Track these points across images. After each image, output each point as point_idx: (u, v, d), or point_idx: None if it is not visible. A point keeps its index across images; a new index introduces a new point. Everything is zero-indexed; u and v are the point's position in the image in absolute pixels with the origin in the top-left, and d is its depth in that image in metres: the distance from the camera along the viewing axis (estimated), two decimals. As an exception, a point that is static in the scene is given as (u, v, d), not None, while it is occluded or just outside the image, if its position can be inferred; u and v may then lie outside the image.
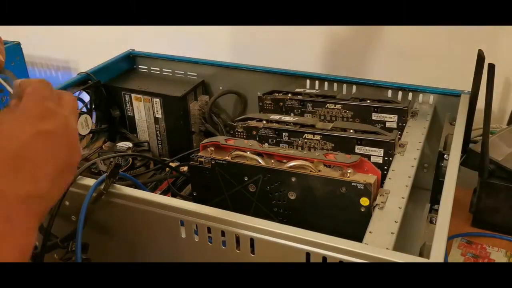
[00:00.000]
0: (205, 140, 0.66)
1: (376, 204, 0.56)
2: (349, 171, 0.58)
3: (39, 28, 1.31)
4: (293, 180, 0.59)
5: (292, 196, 0.60)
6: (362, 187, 0.55)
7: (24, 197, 0.34)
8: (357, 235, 0.50)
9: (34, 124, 0.36)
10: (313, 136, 0.69)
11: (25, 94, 0.38)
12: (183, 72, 0.95)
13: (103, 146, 0.88)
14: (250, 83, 0.90)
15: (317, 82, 0.85)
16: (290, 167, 0.60)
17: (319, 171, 0.59)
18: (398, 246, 0.51)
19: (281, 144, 0.72)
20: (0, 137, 0.35)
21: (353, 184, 0.56)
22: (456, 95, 0.78)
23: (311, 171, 0.59)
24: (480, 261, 0.72)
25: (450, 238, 0.76)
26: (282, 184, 0.60)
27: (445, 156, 0.67)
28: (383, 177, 0.61)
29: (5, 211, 0.34)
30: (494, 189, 0.74)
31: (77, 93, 0.84)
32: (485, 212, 0.77)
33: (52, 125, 0.37)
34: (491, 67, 0.68)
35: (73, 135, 0.39)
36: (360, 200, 0.56)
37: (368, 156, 0.66)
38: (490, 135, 0.73)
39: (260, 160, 0.61)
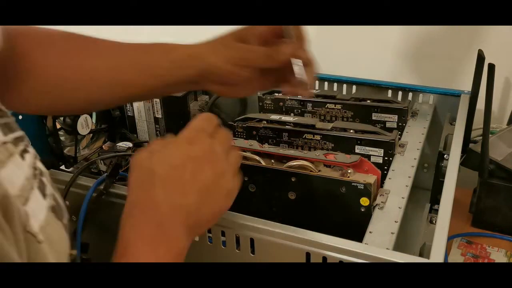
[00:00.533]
0: (205, 140, 0.66)
1: (376, 204, 0.56)
2: (349, 171, 0.58)
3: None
4: (293, 180, 0.59)
5: (292, 196, 0.60)
6: (362, 187, 0.55)
7: (175, 207, 0.41)
8: (357, 235, 0.50)
9: (184, 149, 0.44)
10: (313, 136, 0.69)
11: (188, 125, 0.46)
12: (183, 72, 0.95)
13: (103, 146, 0.88)
14: (250, 83, 0.90)
15: (317, 82, 0.85)
16: (290, 167, 0.60)
17: (319, 171, 0.59)
18: (398, 246, 0.51)
19: (281, 144, 0.72)
20: (155, 162, 0.42)
21: (353, 184, 0.56)
22: (456, 95, 0.78)
23: (311, 171, 0.59)
24: (480, 261, 0.72)
25: (450, 238, 0.76)
26: (282, 184, 0.60)
27: (445, 156, 0.67)
28: (383, 177, 0.61)
29: (158, 218, 0.41)
30: (494, 189, 0.74)
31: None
32: (485, 212, 0.77)
33: (198, 151, 0.44)
34: (491, 67, 0.68)
35: (218, 161, 0.45)
36: (360, 200, 0.56)
37: (368, 156, 0.66)
38: (490, 135, 0.73)
39: (260, 160, 0.61)
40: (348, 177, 0.57)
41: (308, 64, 0.54)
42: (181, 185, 0.42)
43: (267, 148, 0.64)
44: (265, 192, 0.61)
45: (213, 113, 0.88)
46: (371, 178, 0.57)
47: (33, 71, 0.53)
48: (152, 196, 0.41)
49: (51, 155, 0.77)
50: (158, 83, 0.55)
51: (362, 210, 0.56)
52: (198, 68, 0.54)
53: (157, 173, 0.42)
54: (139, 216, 0.41)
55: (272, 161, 0.62)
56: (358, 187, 0.56)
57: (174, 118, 0.86)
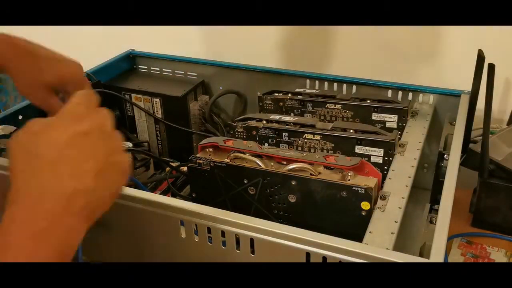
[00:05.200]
0: (204, 141, 0.66)
1: (378, 208, 0.56)
2: (349, 174, 0.58)
3: (39, 28, 1.31)
4: (293, 183, 0.59)
5: (292, 199, 0.60)
6: (363, 191, 0.55)
7: (67, 193, 0.36)
8: (358, 238, 0.50)
9: (70, 126, 0.39)
10: (313, 136, 0.69)
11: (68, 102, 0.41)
12: (183, 72, 0.95)
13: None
14: (250, 83, 0.90)
15: (317, 82, 0.85)
16: (290, 170, 0.59)
17: (319, 173, 0.59)
18: (398, 246, 0.51)
19: (281, 144, 0.72)
20: (40, 145, 0.37)
21: (353, 188, 0.55)
22: (456, 95, 0.78)
23: (311, 173, 0.59)
24: (480, 261, 0.72)
25: (450, 238, 0.76)
26: (282, 187, 0.60)
27: (445, 156, 0.67)
28: (383, 177, 0.61)
29: (49, 209, 0.35)
30: (494, 189, 0.74)
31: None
32: (485, 212, 0.77)
33: (87, 127, 0.39)
34: (491, 67, 0.68)
35: (110, 136, 0.41)
36: (361, 204, 0.56)
37: (368, 156, 0.66)
38: (490, 135, 0.73)
39: (260, 162, 0.61)
40: (349, 180, 0.57)
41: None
42: (74, 167, 0.37)
43: (266, 149, 0.64)
44: (265, 195, 0.61)
45: (213, 113, 0.89)
46: (372, 182, 0.56)
47: None
48: (41, 183, 0.36)
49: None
50: None
51: (363, 214, 0.56)
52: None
53: (45, 156, 0.37)
54: (24, 207, 0.36)
55: (272, 163, 0.62)
56: (359, 191, 0.55)
57: (174, 118, 0.86)
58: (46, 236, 0.35)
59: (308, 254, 0.48)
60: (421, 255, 0.50)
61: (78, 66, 0.66)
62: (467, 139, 0.75)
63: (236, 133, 0.74)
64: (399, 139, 0.69)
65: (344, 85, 0.84)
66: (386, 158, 0.66)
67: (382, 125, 0.74)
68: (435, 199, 0.64)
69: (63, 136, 0.38)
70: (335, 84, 0.84)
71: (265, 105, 0.81)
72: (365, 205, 0.56)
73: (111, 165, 0.40)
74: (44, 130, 0.38)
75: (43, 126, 0.39)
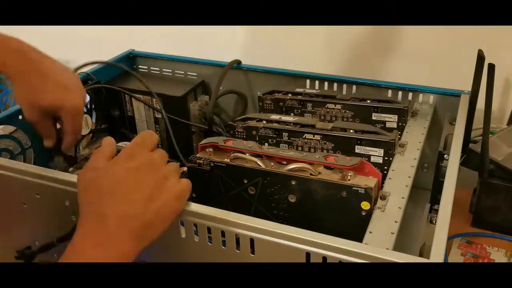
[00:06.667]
0: (204, 141, 0.66)
1: (378, 208, 0.56)
2: (349, 173, 0.58)
3: (39, 28, 1.31)
4: (293, 183, 0.59)
5: (292, 199, 0.60)
6: (363, 191, 0.55)
7: (121, 216, 0.45)
8: (358, 239, 0.50)
9: (123, 163, 0.48)
10: (313, 136, 0.69)
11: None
12: (183, 72, 0.95)
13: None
14: (250, 83, 0.90)
15: (317, 82, 0.85)
16: (290, 170, 0.59)
17: (319, 173, 0.59)
18: (398, 246, 0.51)
19: (281, 144, 0.72)
20: (102, 179, 0.47)
21: (353, 188, 0.55)
22: (456, 95, 0.78)
23: (311, 173, 0.59)
24: (480, 261, 0.72)
25: (450, 238, 0.76)
26: (282, 187, 0.60)
27: (445, 156, 0.67)
28: (383, 177, 0.61)
29: (106, 227, 0.44)
30: (494, 189, 0.74)
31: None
32: (485, 212, 0.77)
33: (137, 162, 0.48)
34: (491, 67, 0.68)
35: (159, 167, 0.49)
36: (361, 204, 0.56)
37: (368, 156, 0.66)
38: (490, 135, 0.73)
39: (260, 162, 0.61)
40: (349, 180, 0.57)
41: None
42: (126, 196, 0.46)
43: (266, 149, 0.64)
44: (265, 195, 0.61)
45: (213, 113, 0.89)
46: (372, 182, 0.56)
47: None
48: (101, 208, 0.45)
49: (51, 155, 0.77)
50: None
51: (363, 214, 0.56)
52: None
53: (104, 188, 0.46)
54: (89, 226, 0.45)
55: (272, 163, 0.62)
56: (359, 191, 0.55)
57: (174, 118, 0.86)
58: (104, 248, 0.44)
59: (308, 254, 0.48)
60: (421, 255, 0.50)
61: (80, 97, 0.65)
62: (467, 139, 0.75)
63: (236, 133, 0.74)
64: (399, 139, 0.69)
65: (344, 85, 0.84)
66: (386, 158, 0.66)
67: (382, 125, 0.74)
68: (435, 199, 0.64)
69: (119, 171, 0.48)
70: (335, 84, 0.84)
71: (265, 105, 0.81)
72: (365, 205, 0.56)
73: (162, 191, 0.48)
74: (105, 167, 0.48)
75: (104, 165, 0.49)
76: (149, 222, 0.46)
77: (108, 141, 0.53)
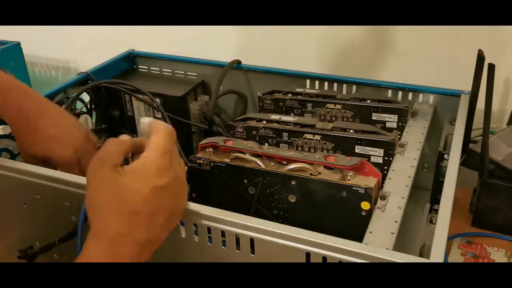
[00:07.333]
0: (204, 141, 0.66)
1: (378, 208, 0.56)
2: (349, 173, 0.58)
3: (39, 28, 1.31)
4: (293, 183, 0.59)
5: (292, 199, 0.60)
6: (363, 191, 0.55)
7: (141, 241, 0.43)
8: (358, 239, 0.50)
9: (152, 180, 0.44)
10: (313, 136, 0.69)
11: (151, 143, 0.46)
12: (183, 72, 0.95)
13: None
14: (250, 83, 0.90)
15: (317, 82, 0.85)
16: (290, 170, 0.59)
17: (319, 173, 0.59)
18: (398, 246, 0.51)
19: (281, 144, 0.72)
20: (125, 189, 0.43)
21: (353, 188, 0.55)
22: (456, 95, 0.78)
23: (311, 173, 0.59)
24: (480, 261, 0.72)
25: (450, 238, 0.76)
26: (282, 187, 0.60)
27: (445, 156, 0.67)
28: (383, 177, 0.61)
29: (123, 251, 0.42)
30: (494, 189, 0.74)
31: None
32: (485, 212, 0.77)
33: (165, 181, 0.45)
34: (491, 67, 0.68)
35: (181, 188, 0.47)
36: (361, 204, 0.56)
37: (368, 156, 0.66)
38: (490, 135, 0.73)
39: (260, 162, 0.61)
40: (349, 180, 0.57)
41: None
42: (149, 220, 0.44)
43: (266, 149, 0.64)
44: (265, 195, 0.61)
45: (213, 113, 0.89)
46: (372, 182, 0.56)
47: None
48: (123, 228, 0.43)
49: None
50: None
51: (363, 214, 0.56)
52: None
53: (129, 204, 0.43)
54: (109, 247, 0.43)
55: (272, 163, 0.62)
56: (359, 191, 0.55)
57: (174, 118, 0.86)
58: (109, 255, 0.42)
59: (308, 254, 0.48)
60: (421, 255, 0.50)
61: (68, 149, 0.65)
62: (467, 139, 0.75)
63: (236, 133, 0.74)
64: (399, 139, 0.69)
65: (344, 85, 0.84)
66: (386, 158, 0.66)
67: (382, 125, 0.74)
68: (435, 199, 0.64)
69: (146, 187, 0.43)
70: (335, 84, 0.84)
71: (265, 105, 0.81)
72: (365, 205, 0.56)
73: (175, 215, 0.47)
74: (132, 177, 0.44)
75: (131, 171, 0.44)
76: (159, 243, 0.46)
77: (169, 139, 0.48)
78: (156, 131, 0.46)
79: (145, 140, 0.47)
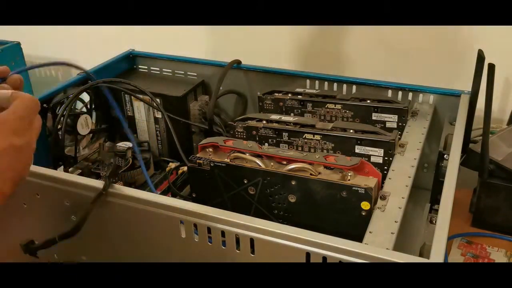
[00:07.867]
0: (204, 141, 0.66)
1: (378, 208, 0.56)
2: (349, 173, 0.58)
3: (39, 28, 1.31)
4: (293, 183, 0.59)
5: (292, 199, 0.60)
6: (363, 191, 0.55)
7: None
8: (358, 239, 0.50)
9: (8, 138, 0.44)
10: (313, 136, 0.69)
11: (12, 105, 0.45)
12: (183, 72, 0.95)
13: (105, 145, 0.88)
14: (250, 83, 0.90)
15: (317, 82, 0.85)
16: (290, 170, 0.59)
17: (319, 173, 0.59)
18: (398, 246, 0.51)
19: (281, 144, 0.72)
20: None
21: (353, 188, 0.55)
22: (456, 95, 0.78)
23: (311, 173, 0.59)
24: (480, 261, 0.72)
25: (450, 238, 0.76)
26: (282, 187, 0.60)
27: (445, 156, 0.67)
28: (383, 177, 0.61)
29: None
30: (494, 189, 0.74)
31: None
32: (485, 212, 0.77)
33: (21, 142, 0.44)
34: (491, 67, 0.68)
35: (31, 154, 0.47)
36: (361, 204, 0.56)
37: (368, 156, 0.66)
38: (490, 135, 0.73)
39: (260, 162, 0.61)
40: (349, 180, 0.57)
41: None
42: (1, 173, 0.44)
43: (266, 150, 0.64)
44: (265, 195, 0.61)
45: (213, 113, 0.89)
46: (372, 182, 0.56)
47: None
48: None
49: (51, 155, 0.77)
50: None
51: (363, 214, 0.56)
52: None
53: None
54: None
55: (272, 163, 0.62)
56: (359, 191, 0.55)
57: (174, 118, 0.86)
58: None
59: (308, 254, 0.48)
60: (421, 255, 0.50)
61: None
62: (467, 139, 0.75)
63: (236, 133, 0.74)
64: (399, 139, 0.69)
65: (344, 85, 0.84)
66: (386, 158, 0.66)
67: (382, 125, 0.74)
68: (435, 199, 0.64)
69: (3, 143, 0.43)
70: (335, 84, 0.84)
71: (265, 105, 0.81)
72: (365, 205, 0.56)
73: (21, 178, 0.46)
74: None
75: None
76: (3, 194, 0.45)
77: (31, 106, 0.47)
78: (21, 97, 0.46)
79: (9, 99, 0.46)
